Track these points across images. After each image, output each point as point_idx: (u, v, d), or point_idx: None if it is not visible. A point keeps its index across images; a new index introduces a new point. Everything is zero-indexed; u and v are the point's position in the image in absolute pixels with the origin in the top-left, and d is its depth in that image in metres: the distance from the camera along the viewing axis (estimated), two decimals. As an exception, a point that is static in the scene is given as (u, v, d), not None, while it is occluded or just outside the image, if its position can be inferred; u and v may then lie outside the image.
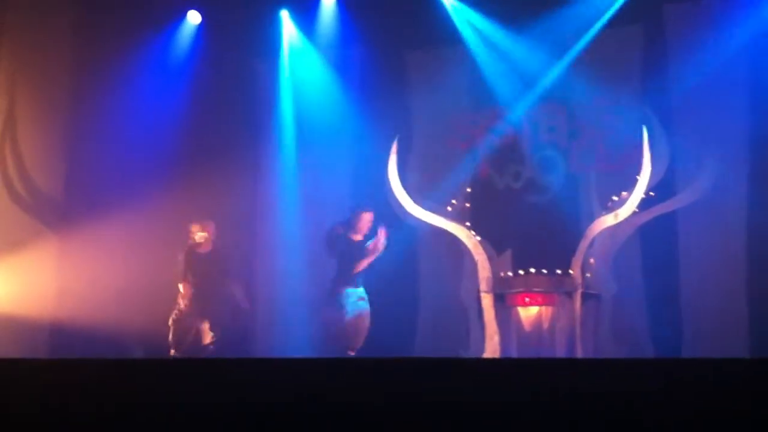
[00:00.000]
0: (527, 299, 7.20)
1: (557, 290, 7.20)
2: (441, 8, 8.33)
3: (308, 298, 8.10)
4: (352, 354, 6.81)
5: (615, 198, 7.46)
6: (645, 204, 7.36)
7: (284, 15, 8.90)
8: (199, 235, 7.44)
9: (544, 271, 7.31)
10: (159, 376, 4.19)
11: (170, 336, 7.34)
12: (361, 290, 7.10)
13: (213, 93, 8.81)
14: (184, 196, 8.65)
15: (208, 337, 7.35)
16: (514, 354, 6.84)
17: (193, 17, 8.88)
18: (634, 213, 7.34)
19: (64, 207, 8.24)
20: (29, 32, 7.94)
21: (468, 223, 7.76)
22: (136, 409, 3.86)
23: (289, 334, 8.02)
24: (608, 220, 7.37)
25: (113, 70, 8.38)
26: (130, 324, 8.01)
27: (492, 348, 7.15)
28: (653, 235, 7.44)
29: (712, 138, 7.30)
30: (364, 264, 7.07)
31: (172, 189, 8.62)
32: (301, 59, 8.92)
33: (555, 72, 7.99)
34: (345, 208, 8.52)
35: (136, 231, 8.45)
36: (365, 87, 8.61)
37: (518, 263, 7.57)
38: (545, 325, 7.03)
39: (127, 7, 8.32)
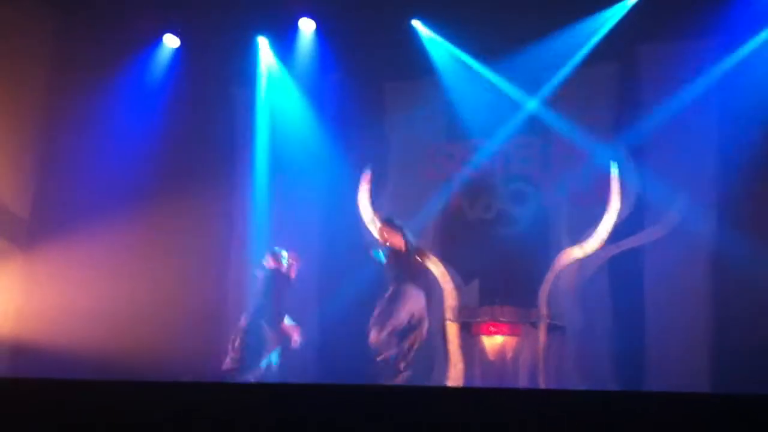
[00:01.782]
0: (492, 328, 7.16)
1: (523, 321, 7.18)
2: (418, 40, 8.34)
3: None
4: None
5: (584, 231, 7.42)
6: (613, 238, 7.36)
7: (262, 42, 8.86)
8: (286, 260, 7.22)
9: (511, 301, 7.23)
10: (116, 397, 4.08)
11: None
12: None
13: (188, 117, 8.84)
14: (155, 220, 8.58)
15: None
16: (477, 383, 6.73)
17: (171, 41, 8.82)
18: (602, 247, 7.31)
19: (30, 226, 8.10)
20: (1, 51, 7.82)
21: (436, 252, 7.69)
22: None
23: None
24: (575, 253, 7.41)
25: (88, 90, 8.40)
26: (95, 344, 7.84)
27: (455, 376, 7.10)
28: (620, 269, 7.44)
29: (681, 176, 7.45)
30: None
31: (142, 213, 8.54)
32: (277, 86, 8.97)
33: (530, 106, 8.09)
34: (316, 236, 8.46)
35: (103, 253, 8.35)
36: (341, 116, 8.68)
37: (485, 293, 7.56)
38: (509, 355, 6.99)
39: (104, 27, 8.28)
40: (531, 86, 8.08)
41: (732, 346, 6.95)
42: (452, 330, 7.50)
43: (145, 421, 3.84)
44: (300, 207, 8.68)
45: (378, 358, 6.44)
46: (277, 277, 7.27)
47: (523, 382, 6.80)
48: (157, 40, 8.93)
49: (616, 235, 7.51)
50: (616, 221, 7.46)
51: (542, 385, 6.68)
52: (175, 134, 8.81)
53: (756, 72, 7.27)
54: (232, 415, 3.85)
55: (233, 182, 9.02)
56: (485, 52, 8.17)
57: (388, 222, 6.93)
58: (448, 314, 7.57)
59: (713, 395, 5.55)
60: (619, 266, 7.58)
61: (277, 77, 9.03)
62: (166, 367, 7.63)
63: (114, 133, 8.57)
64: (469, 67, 8.32)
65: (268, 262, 7.36)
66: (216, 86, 8.97)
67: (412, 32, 8.49)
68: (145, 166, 8.61)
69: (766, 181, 7.19)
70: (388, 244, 6.76)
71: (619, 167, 7.56)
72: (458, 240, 8.07)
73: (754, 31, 7.37)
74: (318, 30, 8.73)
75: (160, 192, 8.66)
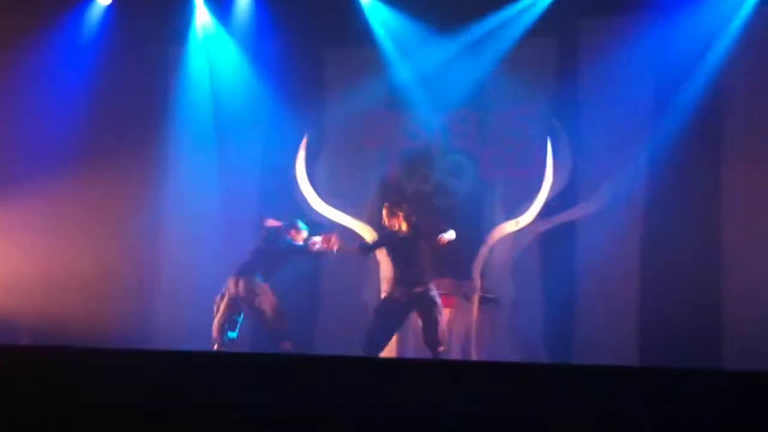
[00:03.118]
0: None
1: (456, 293, 7.31)
2: (359, 6, 8.28)
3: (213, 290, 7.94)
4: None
5: (519, 204, 7.55)
6: (546, 213, 7.48)
7: (198, 1, 8.65)
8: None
9: (445, 273, 7.33)
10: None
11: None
12: None
13: (120, 76, 8.71)
14: (85, 182, 8.42)
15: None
16: (410, 354, 6.83)
17: (103, -2, 8.61)
18: (535, 221, 7.45)
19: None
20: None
21: (373, 224, 7.72)
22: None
23: (194, 328, 7.78)
24: (510, 227, 7.58)
25: (16, 49, 8.08)
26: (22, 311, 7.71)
27: (389, 347, 7.12)
28: (553, 243, 7.60)
29: (614, 153, 7.61)
30: None
31: (72, 175, 8.37)
32: (213, 47, 8.85)
33: (469, 78, 8.11)
34: (251, 201, 8.41)
35: (30, 216, 8.18)
36: (279, 80, 8.62)
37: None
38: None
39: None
40: (471, 57, 8.11)
41: (658, 320, 7.20)
42: (387, 302, 7.55)
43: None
44: (235, 171, 8.59)
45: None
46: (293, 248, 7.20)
47: (455, 354, 6.93)
48: (89, -3, 8.71)
49: (549, 209, 7.67)
50: (549, 196, 7.63)
51: (474, 357, 6.82)
52: (106, 94, 8.65)
53: (691, 46, 7.44)
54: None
55: (166, 144, 8.87)
56: (426, 22, 8.18)
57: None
58: (384, 285, 7.64)
59: (638, 368, 5.78)
60: (551, 241, 7.77)
61: (212, 37, 8.88)
62: (97, 333, 7.56)
63: (43, 93, 8.38)
64: (409, 37, 8.32)
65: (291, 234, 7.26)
66: (149, 45, 8.79)
67: (353, -1, 8.45)
68: (76, 127, 8.43)
69: (697, 159, 7.42)
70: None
71: (554, 142, 7.69)
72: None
73: (691, 6, 7.50)
74: (256, -9, 8.63)
75: (92, 153, 8.52)
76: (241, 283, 7.06)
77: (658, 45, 7.58)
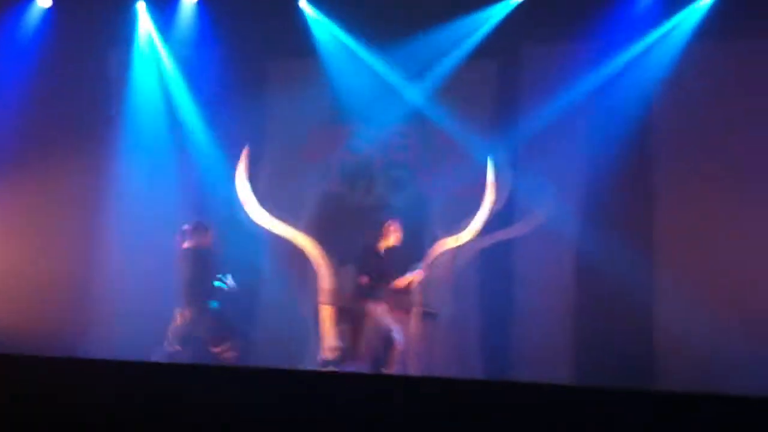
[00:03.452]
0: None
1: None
2: (304, 20, 8.31)
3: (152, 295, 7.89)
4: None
5: (458, 222, 7.64)
6: (485, 230, 7.60)
7: (141, 7, 8.64)
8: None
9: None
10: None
11: None
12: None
13: (62, 79, 8.52)
14: (21, 187, 8.27)
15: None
16: (348, 367, 6.84)
17: (43, 0, 8.46)
18: (475, 238, 7.56)
19: None
20: None
21: (314, 234, 7.74)
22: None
23: (132, 334, 7.72)
24: (450, 243, 7.63)
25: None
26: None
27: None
28: (491, 260, 7.72)
29: (552, 174, 7.80)
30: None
31: (8, 179, 8.21)
32: (154, 56, 8.70)
33: (412, 94, 8.19)
34: (189, 212, 8.35)
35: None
36: (220, 91, 8.53)
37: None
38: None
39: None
40: (413, 76, 8.21)
41: (592, 337, 7.36)
42: (325, 313, 7.58)
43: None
44: (173, 182, 8.51)
45: None
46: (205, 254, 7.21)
47: (393, 368, 6.94)
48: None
49: (488, 227, 7.78)
50: (489, 214, 7.73)
51: (412, 371, 6.85)
52: (45, 97, 8.53)
53: (630, 77, 7.71)
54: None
55: (103, 151, 8.76)
56: (371, 38, 8.25)
57: None
58: (322, 297, 7.65)
59: (572, 387, 5.89)
60: (490, 258, 7.88)
61: (153, 46, 8.81)
62: (28, 339, 7.41)
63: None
64: (353, 52, 8.39)
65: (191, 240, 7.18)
66: (88, 52, 8.69)
67: (298, 12, 8.45)
68: (16, 128, 8.27)
69: (630, 183, 7.63)
70: None
71: (495, 162, 7.82)
72: (335, 223, 8.15)
73: (634, 37, 7.77)
74: (200, 1, 8.57)
75: (32, 155, 8.40)
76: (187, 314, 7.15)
77: (597, 72, 7.79)
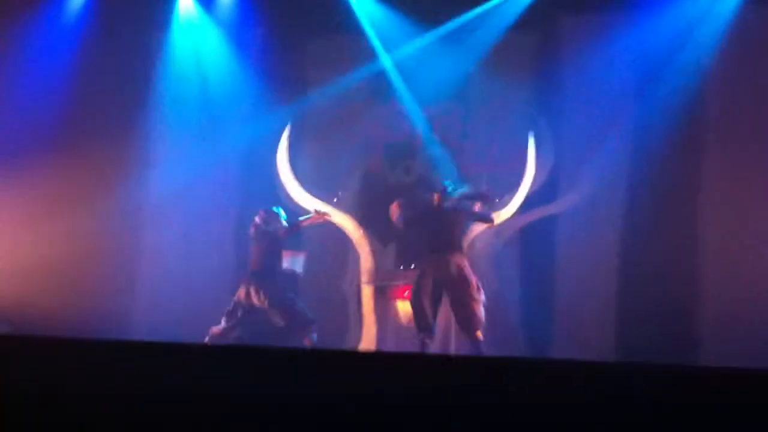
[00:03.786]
0: (407, 292, 7.26)
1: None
2: (345, -2, 8.29)
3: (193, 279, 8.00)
4: None
5: (498, 199, 7.61)
6: (527, 206, 7.54)
7: (181, -13, 8.64)
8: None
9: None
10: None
11: None
12: None
13: (103, 62, 8.67)
14: (66, 169, 8.40)
15: None
16: (390, 346, 6.87)
17: (85, -18, 8.54)
18: (516, 214, 7.51)
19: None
20: None
21: (354, 215, 7.75)
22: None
23: (171, 317, 7.87)
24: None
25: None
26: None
27: (369, 339, 7.20)
28: (533, 237, 7.67)
29: (595, 147, 7.63)
30: None
31: (54, 161, 8.35)
32: (196, 34, 8.74)
33: (452, 72, 8.14)
34: (233, 191, 8.41)
35: (10, 201, 8.11)
36: (262, 69, 8.59)
37: (401, 257, 7.61)
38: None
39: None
40: (455, 50, 8.14)
41: (636, 315, 7.28)
42: (367, 293, 7.64)
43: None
44: (216, 159, 8.57)
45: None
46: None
47: (435, 346, 6.96)
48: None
49: (530, 203, 7.73)
50: (531, 190, 7.69)
51: (453, 350, 6.86)
52: (87, 80, 8.60)
53: (671, 41, 7.52)
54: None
55: (148, 132, 8.83)
56: (411, 13, 8.19)
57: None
58: (364, 277, 7.69)
59: (616, 363, 5.85)
60: (532, 234, 7.82)
61: (196, 24, 8.83)
62: (75, 323, 7.53)
63: (23, 78, 8.31)
64: (393, 29, 8.33)
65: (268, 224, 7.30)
66: (131, 32, 8.72)
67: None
68: (58, 114, 8.38)
69: (677, 153, 7.50)
70: None
71: (537, 137, 7.75)
72: (377, 203, 8.15)
73: (678, 5, 7.57)
74: (242, -21, 8.60)
75: (73, 140, 8.48)
76: (252, 291, 7.23)
77: (638, 41, 7.65)
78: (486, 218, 7.09)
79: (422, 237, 6.91)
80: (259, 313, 7.27)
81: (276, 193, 8.10)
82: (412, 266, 7.46)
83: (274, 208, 7.39)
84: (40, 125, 8.37)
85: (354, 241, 7.76)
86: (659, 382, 3.83)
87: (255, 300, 7.22)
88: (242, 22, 8.68)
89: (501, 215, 7.65)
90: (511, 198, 7.68)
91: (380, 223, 7.99)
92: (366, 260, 7.75)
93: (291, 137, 8.21)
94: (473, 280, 6.69)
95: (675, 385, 3.79)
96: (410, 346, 7.07)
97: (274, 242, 7.38)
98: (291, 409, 3.76)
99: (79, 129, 8.54)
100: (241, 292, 7.29)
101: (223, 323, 7.28)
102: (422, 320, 6.63)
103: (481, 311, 6.64)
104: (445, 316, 7.17)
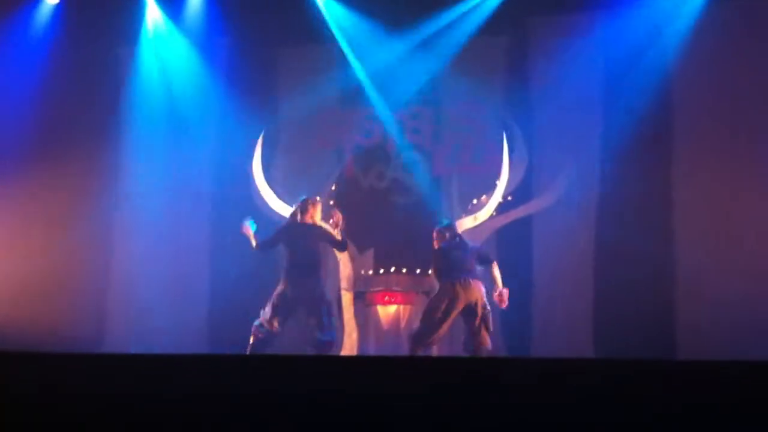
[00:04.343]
0: (387, 298, 7.33)
1: (416, 289, 7.35)
2: (313, 4, 8.29)
3: (168, 292, 8.04)
4: None
5: (475, 201, 7.66)
6: (502, 208, 7.59)
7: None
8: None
9: (405, 270, 7.41)
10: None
11: None
12: None
13: (70, 76, 8.57)
14: (35, 186, 8.32)
15: None
16: (371, 351, 6.88)
17: (51, -5, 8.50)
18: (492, 216, 7.56)
19: None
20: None
21: (331, 221, 7.76)
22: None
23: (146, 326, 7.92)
24: (467, 223, 7.68)
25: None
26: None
27: (350, 345, 7.23)
28: (509, 238, 7.70)
29: (567, 147, 7.72)
30: None
31: (21, 178, 8.27)
32: (165, 46, 8.69)
33: (423, 75, 8.17)
34: (206, 201, 8.37)
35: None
36: (232, 79, 8.60)
37: (380, 262, 7.74)
38: (403, 324, 7.17)
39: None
40: (424, 54, 8.18)
41: (612, 312, 7.35)
42: (347, 299, 7.65)
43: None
44: (189, 169, 8.54)
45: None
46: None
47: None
48: (37, -4, 8.60)
49: (506, 205, 7.78)
50: (506, 191, 7.74)
51: (435, 353, 6.87)
52: (56, 93, 8.55)
53: (639, 42, 7.61)
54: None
55: (118, 146, 8.78)
56: (380, 20, 8.23)
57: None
58: (343, 283, 7.71)
59: (595, 360, 5.90)
60: (508, 235, 7.86)
61: (164, 36, 8.81)
62: (48, 338, 7.47)
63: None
64: (363, 35, 8.36)
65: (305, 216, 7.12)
66: (100, 44, 8.70)
67: (308, -5, 8.46)
68: (26, 127, 8.32)
69: (648, 151, 7.60)
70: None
71: (510, 138, 7.80)
72: (352, 209, 8.15)
73: (637, 3, 7.66)
74: (209, -13, 8.59)
75: (42, 153, 8.42)
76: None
77: (606, 42, 7.75)
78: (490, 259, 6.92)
79: (447, 262, 6.73)
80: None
81: (251, 202, 8.08)
82: (393, 270, 7.46)
83: (248, 221, 7.23)
84: (8, 139, 8.30)
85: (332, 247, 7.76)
86: (637, 378, 3.87)
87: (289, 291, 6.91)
88: (211, 32, 8.67)
89: (478, 217, 7.70)
90: (487, 200, 7.72)
91: (357, 229, 8.01)
92: (345, 266, 7.77)
93: (264, 145, 8.21)
94: (488, 309, 6.66)
95: (652, 380, 3.84)
96: (391, 351, 7.09)
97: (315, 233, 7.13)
98: (274, 415, 3.76)
99: (48, 143, 8.50)
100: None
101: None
102: (427, 336, 6.58)
103: (489, 342, 6.60)
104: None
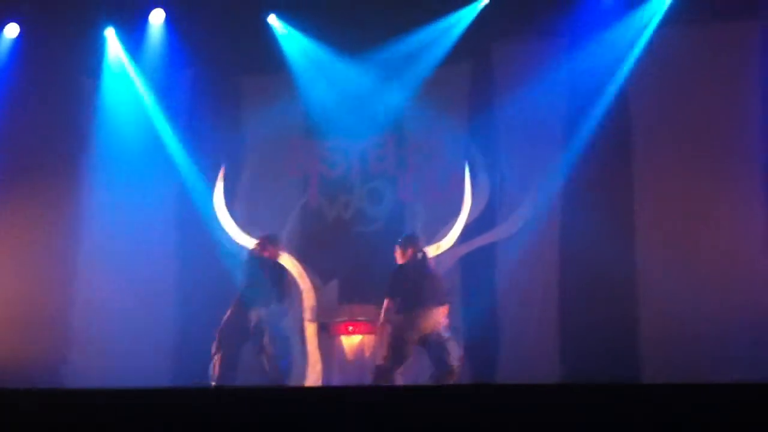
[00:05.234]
0: (350, 328, 7.30)
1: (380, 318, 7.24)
2: (273, 35, 8.31)
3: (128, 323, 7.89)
4: None
5: (439, 229, 7.64)
6: (466, 235, 7.58)
7: (109, 33, 8.56)
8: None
9: (369, 300, 7.35)
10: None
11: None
12: None
13: (29, 111, 8.47)
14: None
15: None
16: (336, 382, 6.81)
17: (10, 30, 8.41)
18: (456, 244, 7.56)
19: None
20: None
21: (294, 252, 7.71)
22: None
23: (108, 357, 7.85)
24: (431, 251, 7.63)
25: None
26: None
27: (314, 376, 7.19)
28: (473, 264, 7.69)
29: (530, 173, 7.76)
30: None
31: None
32: (125, 81, 8.71)
33: (386, 103, 8.24)
34: (170, 233, 8.31)
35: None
36: (193, 112, 8.57)
37: (344, 293, 7.69)
38: (367, 354, 7.13)
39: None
40: (387, 84, 8.22)
41: (578, 334, 7.36)
42: (311, 330, 7.61)
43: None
44: (151, 205, 8.45)
45: None
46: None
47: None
48: (-3, 29, 8.54)
49: (469, 232, 7.78)
50: (469, 219, 7.74)
51: (399, 382, 6.81)
52: (14, 128, 8.46)
53: (599, 68, 7.70)
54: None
55: (79, 179, 8.74)
56: (342, 49, 8.26)
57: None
58: (307, 314, 7.67)
59: (561, 385, 5.89)
60: (472, 263, 7.85)
61: (124, 71, 8.78)
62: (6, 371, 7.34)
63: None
64: (325, 64, 8.39)
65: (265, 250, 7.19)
66: (59, 80, 8.71)
67: (267, 27, 8.46)
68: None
69: (609, 175, 7.66)
70: None
71: (472, 166, 7.83)
72: (316, 239, 8.15)
73: (602, 29, 7.80)
74: (168, 22, 8.60)
75: (1, 184, 8.30)
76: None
77: (568, 66, 7.84)
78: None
79: (409, 289, 6.70)
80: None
81: (214, 234, 8.01)
82: (354, 301, 7.42)
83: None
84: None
85: (295, 278, 7.71)
86: (605, 400, 3.87)
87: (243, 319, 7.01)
88: (172, 65, 8.66)
89: (441, 246, 7.69)
90: (450, 228, 7.71)
91: (320, 259, 7.97)
92: (308, 297, 7.71)
93: (226, 178, 8.16)
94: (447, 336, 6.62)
95: (617, 402, 3.84)
96: (356, 380, 7.02)
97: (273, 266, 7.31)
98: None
99: (10, 171, 8.43)
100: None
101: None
102: (388, 368, 6.56)
103: (453, 368, 6.54)
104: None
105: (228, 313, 7.00)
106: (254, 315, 6.94)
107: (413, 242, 6.92)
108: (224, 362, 6.86)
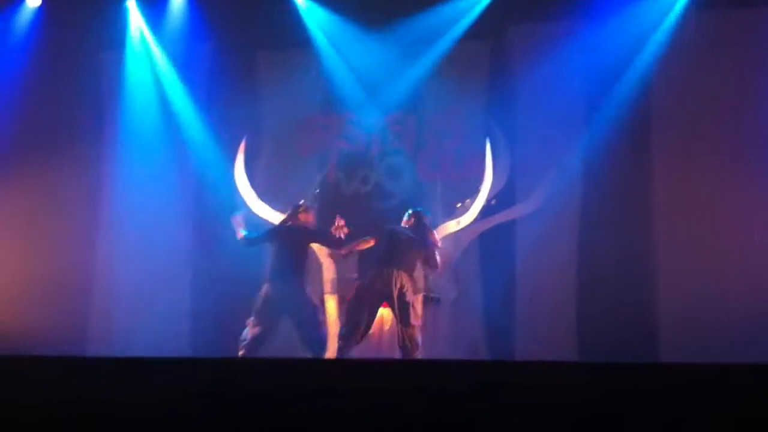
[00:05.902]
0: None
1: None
2: (294, 9, 8.29)
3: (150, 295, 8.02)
4: None
5: (458, 205, 7.68)
6: (486, 212, 7.61)
7: (131, 5, 8.60)
8: None
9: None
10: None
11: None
12: None
13: (51, 81, 8.48)
14: (17, 187, 8.30)
15: None
16: (354, 354, 6.87)
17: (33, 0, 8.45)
18: (476, 220, 7.59)
19: None
20: None
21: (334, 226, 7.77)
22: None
23: (129, 327, 7.98)
24: (451, 227, 7.71)
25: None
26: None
27: (333, 348, 7.15)
28: (492, 241, 7.74)
29: (550, 151, 7.78)
30: None
31: (3, 180, 8.23)
32: (146, 53, 8.70)
33: (406, 80, 8.19)
34: (189, 206, 8.37)
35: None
36: (213, 85, 8.61)
37: (363, 266, 7.62)
38: (386, 327, 7.14)
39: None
40: (408, 59, 8.22)
41: (595, 315, 7.39)
42: (331, 303, 7.62)
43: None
44: (171, 179, 8.51)
45: None
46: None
47: (398, 353, 6.96)
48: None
49: (489, 209, 7.80)
50: (489, 196, 7.77)
51: (419, 356, 6.87)
52: (36, 99, 8.52)
53: (621, 49, 7.69)
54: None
55: (100, 151, 8.80)
56: (362, 24, 8.24)
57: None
58: (326, 287, 7.70)
59: (578, 363, 5.93)
60: (491, 239, 7.90)
61: (146, 43, 8.80)
62: (29, 339, 7.44)
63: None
64: (345, 39, 8.39)
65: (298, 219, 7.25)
66: (81, 50, 8.73)
67: (288, 1, 8.44)
68: (7, 133, 8.28)
69: (629, 156, 7.68)
70: None
71: (493, 143, 7.83)
72: (335, 213, 8.13)
73: (619, 13, 7.74)
74: (190, -5, 8.59)
75: (24, 157, 8.38)
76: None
77: (588, 49, 7.83)
78: (431, 263, 7.02)
79: (380, 250, 6.95)
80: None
81: (234, 206, 8.06)
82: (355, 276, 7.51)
83: (241, 213, 7.36)
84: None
85: (315, 252, 7.76)
86: (620, 380, 3.90)
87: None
88: (193, 38, 8.68)
89: (461, 222, 7.73)
90: (470, 204, 7.75)
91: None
92: (328, 271, 7.77)
93: (247, 150, 8.20)
94: (415, 303, 6.78)
95: (636, 382, 3.86)
96: (374, 353, 7.10)
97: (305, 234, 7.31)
98: (261, 419, 3.76)
99: (31, 145, 8.51)
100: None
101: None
102: (354, 329, 6.70)
103: (418, 336, 6.72)
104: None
105: (263, 289, 7.03)
106: (286, 287, 6.97)
107: (417, 216, 7.08)
108: (257, 334, 6.91)
